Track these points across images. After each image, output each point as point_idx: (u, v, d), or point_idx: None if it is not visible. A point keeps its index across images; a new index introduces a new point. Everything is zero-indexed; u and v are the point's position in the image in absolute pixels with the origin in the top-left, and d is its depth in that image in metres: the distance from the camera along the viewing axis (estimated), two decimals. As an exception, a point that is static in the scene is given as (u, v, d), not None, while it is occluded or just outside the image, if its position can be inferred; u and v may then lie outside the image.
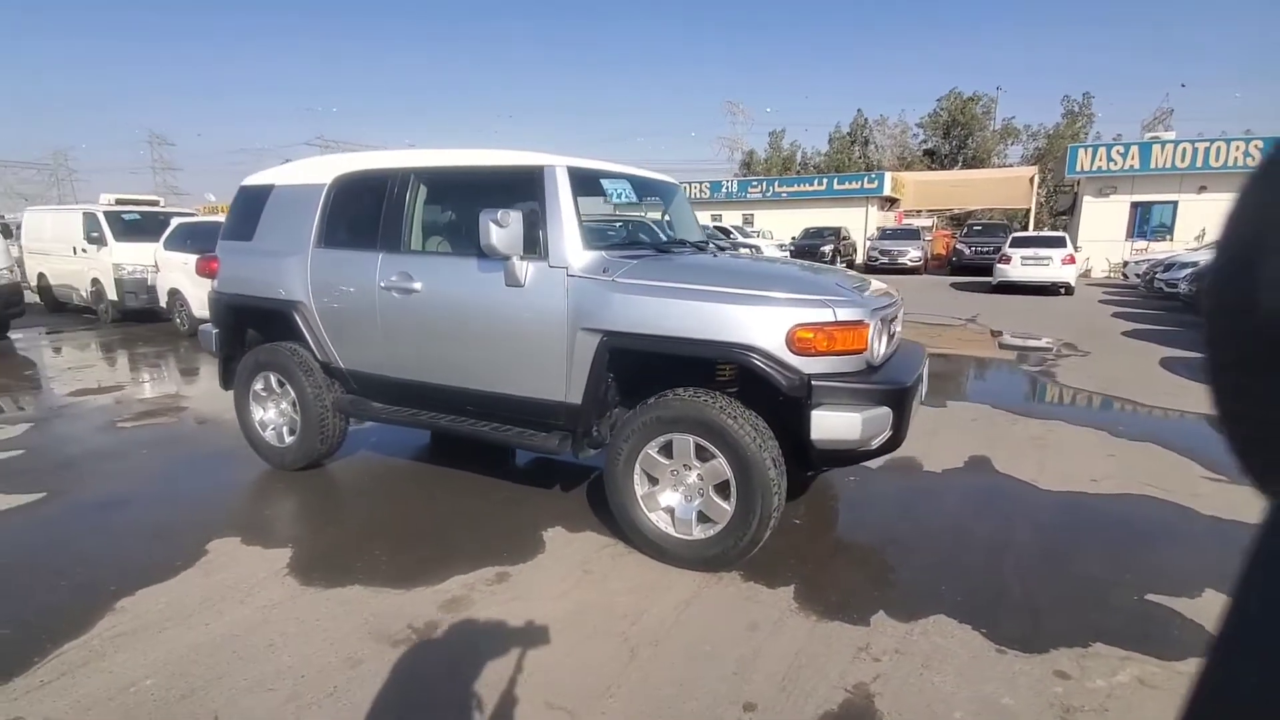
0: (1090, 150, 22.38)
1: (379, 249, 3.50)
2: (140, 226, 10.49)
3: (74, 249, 10.69)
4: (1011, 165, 36.97)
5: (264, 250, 3.93)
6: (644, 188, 3.90)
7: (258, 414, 4.07)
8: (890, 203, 29.08)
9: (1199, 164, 20.12)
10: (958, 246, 21.79)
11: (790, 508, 3.50)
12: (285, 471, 4.01)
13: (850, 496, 3.79)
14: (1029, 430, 4.96)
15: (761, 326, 2.64)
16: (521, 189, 3.15)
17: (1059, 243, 16.05)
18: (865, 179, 28.17)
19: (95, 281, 10.51)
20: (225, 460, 4.25)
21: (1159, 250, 18.98)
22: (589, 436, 3.10)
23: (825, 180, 29.58)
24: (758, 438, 2.66)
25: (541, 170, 3.12)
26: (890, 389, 2.69)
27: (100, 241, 10.22)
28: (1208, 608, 2.61)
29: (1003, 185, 28.66)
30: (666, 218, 4.15)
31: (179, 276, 8.99)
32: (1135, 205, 21.71)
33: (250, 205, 4.08)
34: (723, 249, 4.27)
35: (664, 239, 3.84)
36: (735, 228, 22.81)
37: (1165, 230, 21.20)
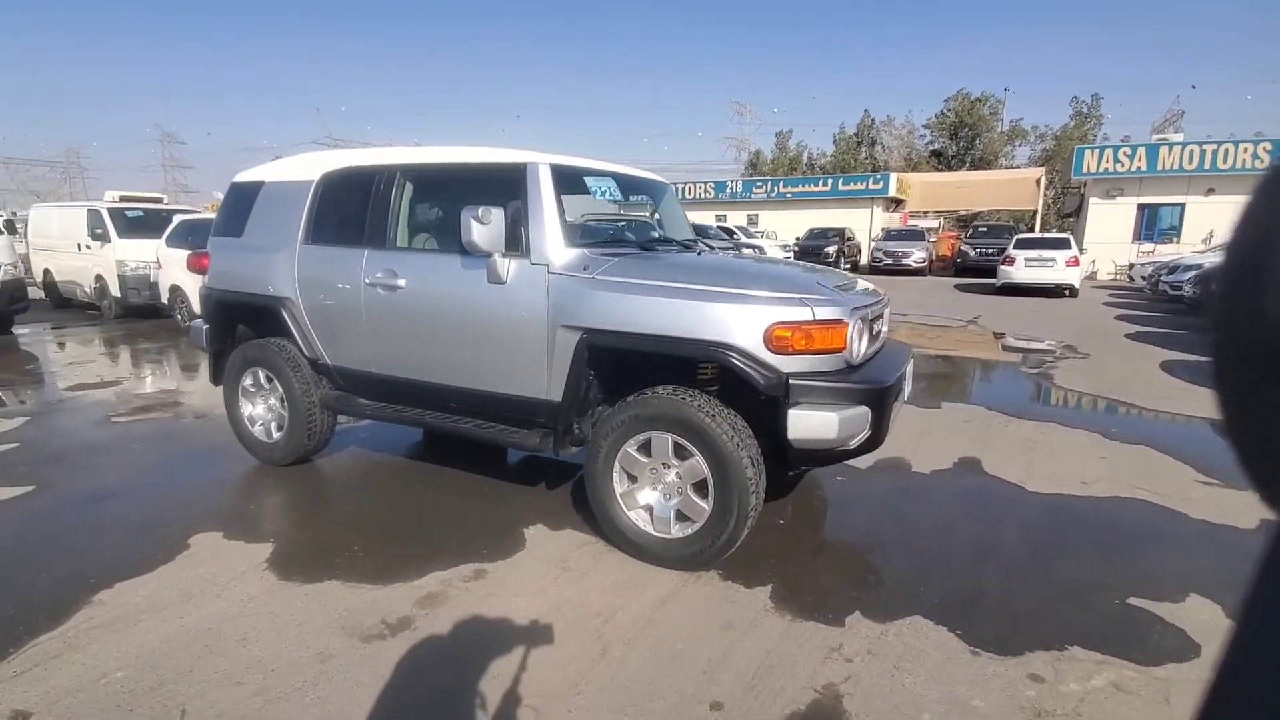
0: (1097, 152, 22.22)
1: (365, 245, 3.51)
2: (143, 223, 10.58)
3: (78, 245, 10.78)
4: (1019, 166, 36.76)
5: (253, 246, 3.95)
6: (631, 186, 3.89)
7: (247, 409, 4.09)
8: (896, 204, 28.94)
9: (1207, 166, 19.93)
10: (962, 248, 21.70)
11: (775, 508, 3.49)
12: (273, 467, 4.03)
13: (836, 497, 3.77)
14: (1021, 432, 4.93)
15: (739, 325, 2.63)
16: (505, 186, 3.15)
17: (1063, 244, 15.94)
18: (870, 180, 28.06)
19: (99, 278, 10.60)
20: (216, 455, 4.27)
21: (1166, 253, 18.82)
22: (570, 434, 3.09)
23: (830, 181, 29.49)
24: (735, 436, 2.65)
25: (524, 167, 3.12)
26: (869, 388, 2.68)
27: (104, 238, 10.31)
28: (1191, 613, 2.58)
29: (1009, 186, 28.48)
30: (656, 216, 4.15)
31: (180, 273, 9.03)
32: (1142, 207, 21.53)
33: (241, 201, 4.10)
34: (713, 249, 4.26)
35: (654, 237, 3.84)
36: (739, 228, 22.78)
37: (1173, 233, 21.03)
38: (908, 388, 3.27)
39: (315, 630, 2.40)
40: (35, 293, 12.01)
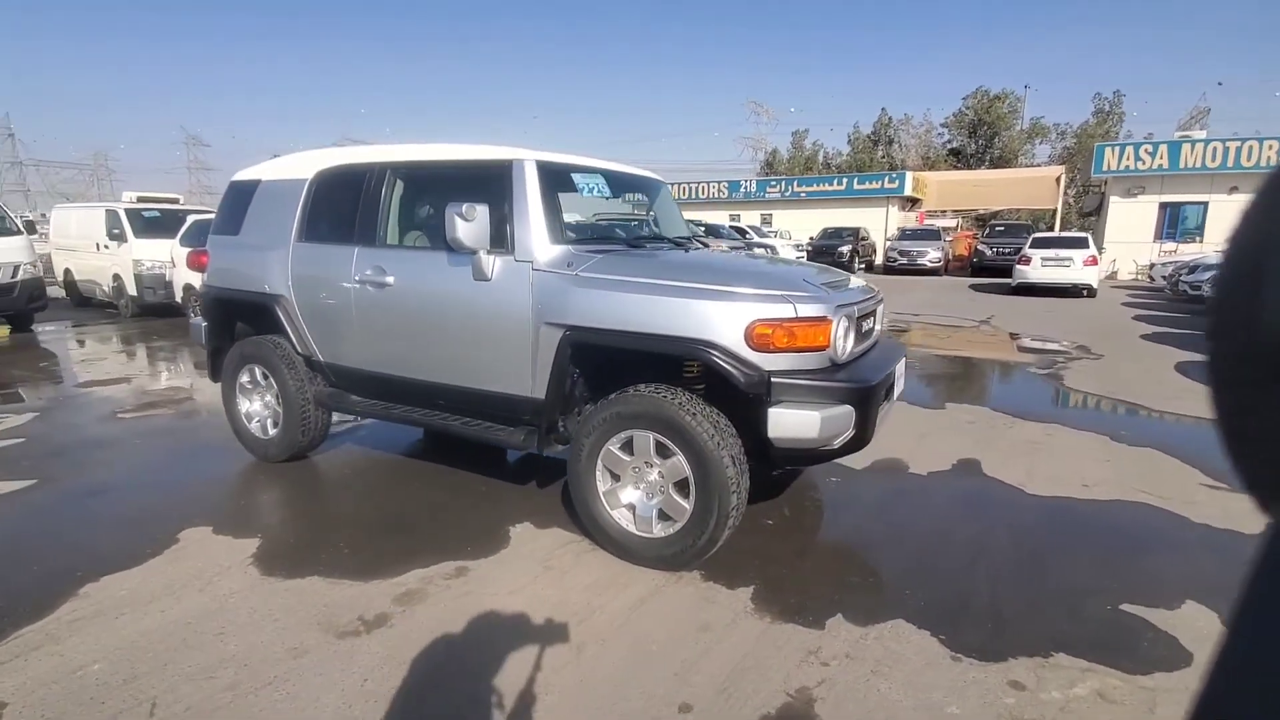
0: (1117, 149, 21.77)
1: (355, 243, 3.52)
2: (160, 223, 10.75)
3: (97, 245, 10.99)
4: (1039, 165, 36.17)
5: (249, 244, 3.98)
6: (624, 183, 3.87)
7: (244, 406, 4.13)
8: (912, 203, 28.61)
9: (1230, 164, 19.46)
10: (979, 247, 21.40)
11: (765, 508, 3.45)
12: (269, 463, 4.06)
13: (829, 498, 3.72)
14: (1026, 434, 4.83)
15: (720, 322, 2.59)
16: (491, 183, 3.14)
17: (1081, 243, 15.65)
18: (886, 179, 27.75)
19: (116, 277, 10.80)
20: (214, 451, 4.32)
21: (1188, 252, 18.40)
22: (554, 432, 3.08)
23: (845, 180, 29.21)
24: (716, 435, 2.62)
25: (510, 164, 3.11)
26: (853, 387, 2.63)
27: (121, 238, 10.50)
28: (1184, 620, 2.50)
29: (1028, 185, 28.03)
30: (650, 213, 4.12)
31: (193, 272, 9.18)
32: (1164, 206, 21.08)
33: (238, 200, 4.14)
34: (706, 245, 4.23)
35: (644, 235, 3.82)
36: (752, 228, 22.65)
37: (1196, 232, 20.56)
38: (898, 387, 3.22)
39: (292, 626, 2.41)
40: (56, 292, 12.29)
